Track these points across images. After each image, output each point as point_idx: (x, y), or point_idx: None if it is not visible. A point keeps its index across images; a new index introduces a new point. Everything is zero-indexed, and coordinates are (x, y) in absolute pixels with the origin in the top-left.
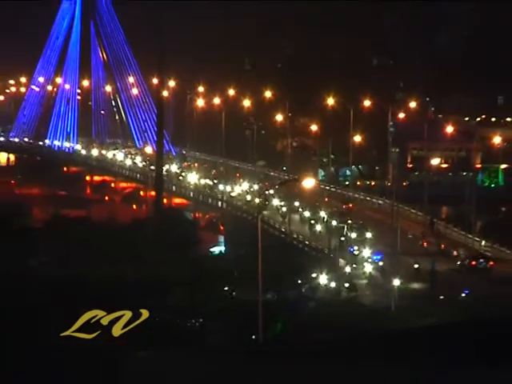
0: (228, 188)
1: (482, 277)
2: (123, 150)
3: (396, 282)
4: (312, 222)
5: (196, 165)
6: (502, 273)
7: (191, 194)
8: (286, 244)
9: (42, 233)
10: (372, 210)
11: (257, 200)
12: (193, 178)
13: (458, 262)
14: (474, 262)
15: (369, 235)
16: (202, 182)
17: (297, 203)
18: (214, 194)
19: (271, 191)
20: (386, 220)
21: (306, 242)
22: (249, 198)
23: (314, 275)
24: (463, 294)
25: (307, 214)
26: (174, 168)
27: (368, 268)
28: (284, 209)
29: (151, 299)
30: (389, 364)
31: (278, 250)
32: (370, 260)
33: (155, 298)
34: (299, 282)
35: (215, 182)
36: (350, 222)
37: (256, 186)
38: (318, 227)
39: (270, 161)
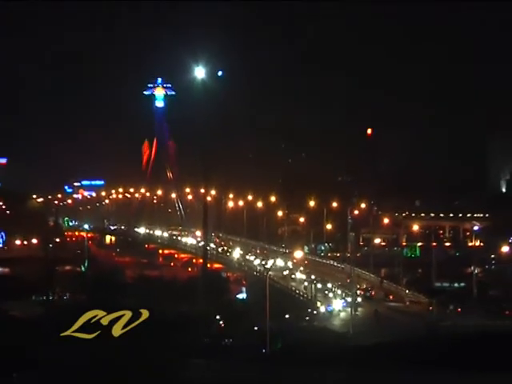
0: (257, 261)
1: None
2: (181, 233)
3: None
4: (326, 291)
5: (220, 242)
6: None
7: (229, 263)
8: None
9: (131, 286)
10: (338, 272)
11: (285, 272)
12: (236, 254)
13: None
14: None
15: (359, 299)
16: (240, 256)
17: (313, 276)
18: (251, 265)
19: (300, 268)
20: (345, 277)
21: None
22: (285, 273)
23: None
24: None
25: (319, 285)
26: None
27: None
28: (306, 283)
29: (202, 327)
30: (352, 369)
31: (297, 306)
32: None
33: (204, 326)
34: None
35: (253, 258)
36: (347, 291)
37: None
38: (330, 295)
39: (273, 240)
